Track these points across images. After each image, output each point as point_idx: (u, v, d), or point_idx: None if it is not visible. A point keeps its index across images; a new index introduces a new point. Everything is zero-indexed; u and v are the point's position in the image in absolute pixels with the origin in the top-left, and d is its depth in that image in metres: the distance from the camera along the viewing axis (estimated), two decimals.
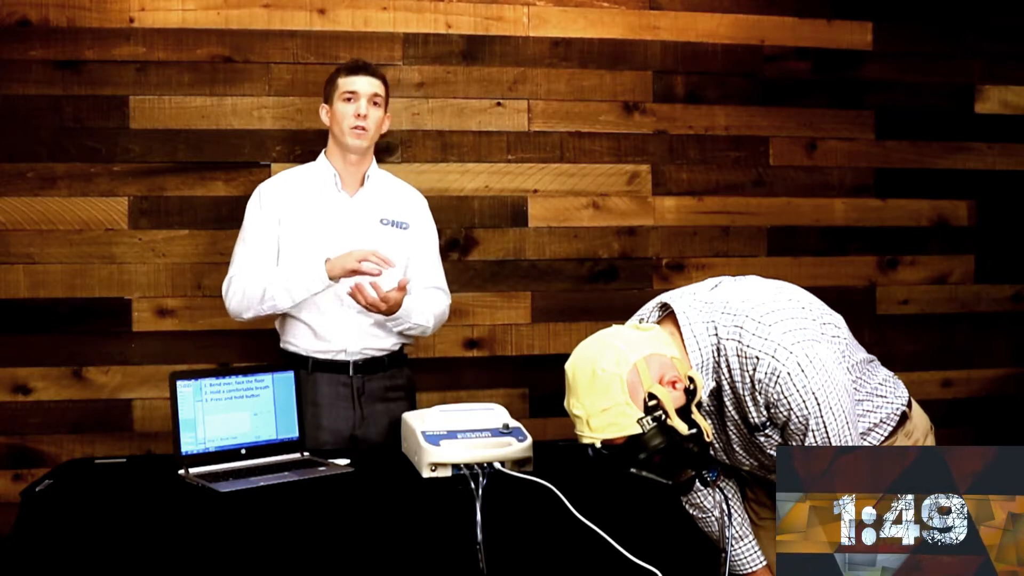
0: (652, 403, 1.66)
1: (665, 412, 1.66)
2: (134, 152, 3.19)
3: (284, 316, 2.71)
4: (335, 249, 2.62)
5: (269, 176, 3.24)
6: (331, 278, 2.54)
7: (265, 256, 2.65)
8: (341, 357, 2.68)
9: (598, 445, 1.70)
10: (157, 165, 3.20)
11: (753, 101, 3.58)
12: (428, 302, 2.73)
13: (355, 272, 2.50)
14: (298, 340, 2.70)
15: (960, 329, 3.75)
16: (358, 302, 2.53)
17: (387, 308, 2.53)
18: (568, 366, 1.74)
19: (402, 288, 2.53)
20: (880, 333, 3.64)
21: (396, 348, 2.77)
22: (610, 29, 3.48)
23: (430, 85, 3.36)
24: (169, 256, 3.21)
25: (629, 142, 3.50)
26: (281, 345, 2.76)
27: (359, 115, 2.63)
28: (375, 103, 2.66)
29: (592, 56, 3.47)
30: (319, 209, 2.69)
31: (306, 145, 3.28)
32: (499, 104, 3.42)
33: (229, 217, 3.23)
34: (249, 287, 2.61)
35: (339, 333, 2.67)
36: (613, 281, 3.50)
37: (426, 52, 3.36)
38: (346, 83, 2.66)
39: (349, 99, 2.65)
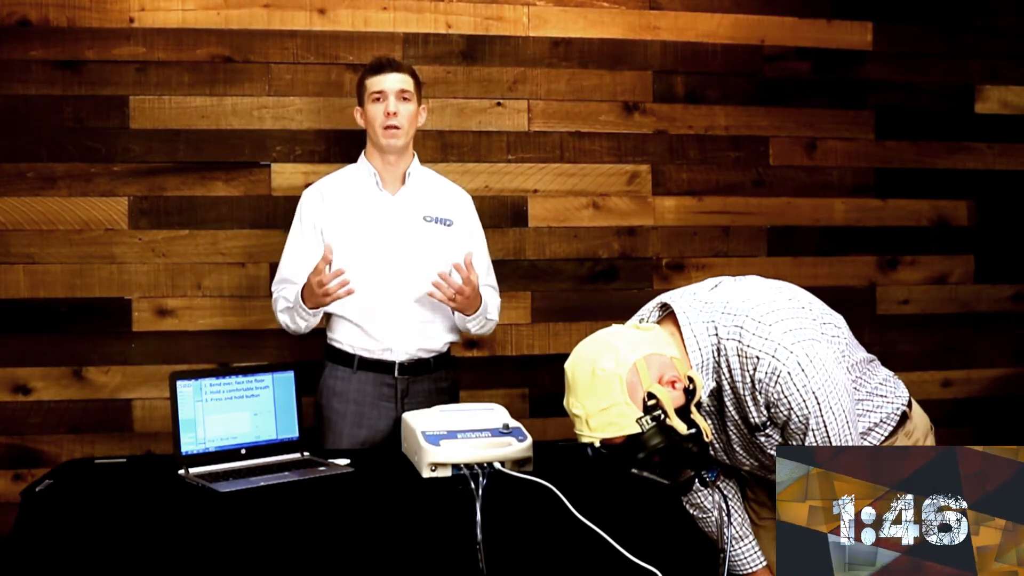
0: (651, 403, 1.66)
1: (664, 412, 1.66)
2: (134, 152, 3.19)
3: (332, 312, 2.72)
4: (380, 249, 2.66)
5: (269, 176, 3.25)
6: (312, 308, 2.57)
7: (302, 269, 2.65)
8: (387, 356, 2.67)
9: (597, 444, 1.70)
10: (157, 165, 3.20)
11: (753, 101, 3.58)
12: (490, 298, 2.74)
13: (326, 298, 2.51)
14: (346, 337, 2.70)
15: (960, 329, 3.75)
16: (437, 297, 2.54)
17: (470, 293, 2.54)
18: (568, 365, 1.74)
19: (468, 264, 2.54)
20: (880, 333, 3.63)
21: (444, 349, 2.77)
22: (610, 29, 3.48)
23: (430, 85, 3.36)
24: (169, 256, 3.21)
25: (629, 142, 3.50)
26: (328, 341, 2.76)
27: (388, 113, 2.63)
28: (404, 98, 2.66)
29: (592, 56, 3.47)
30: (361, 210, 2.70)
31: (306, 145, 3.28)
32: (499, 104, 3.42)
33: (229, 217, 3.23)
34: (280, 309, 2.68)
35: (388, 332, 2.67)
36: (613, 281, 3.50)
37: (426, 52, 3.36)
38: (372, 83, 2.66)
39: (378, 99, 2.65)
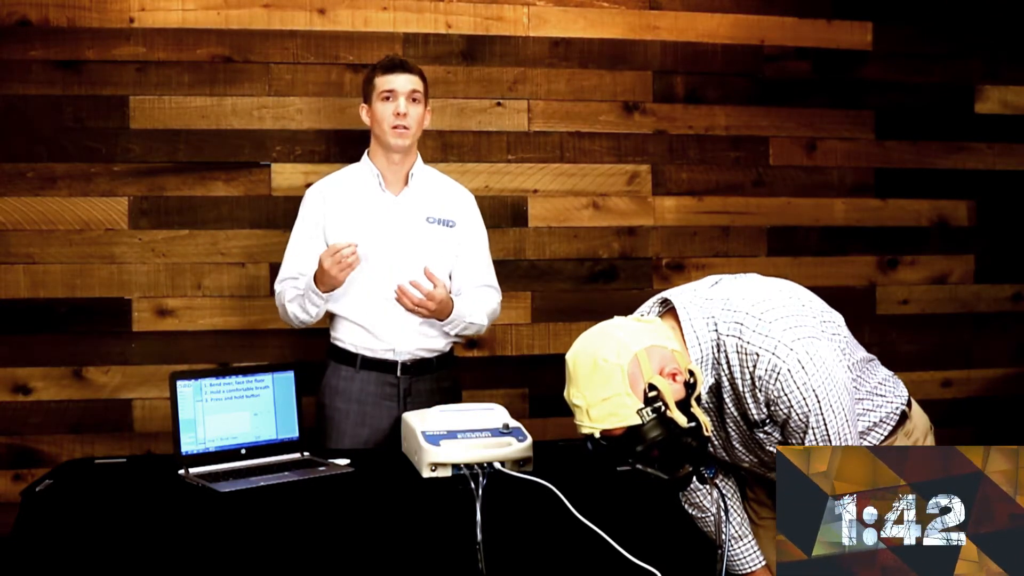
0: (652, 394, 1.66)
1: (665, 404, 1.65)
2: (134, 152, 3.19)
3: (334, 313, 2.72)
4: (382, 250, 2.65)
5: (269, 176, 3.25)
6: (326, 291, 2.57)
7: (307, 266, 2.65)
8: (390, 356, 2.67)
9: (597, 435, 1.69)
10: (157, 165, 3.20)
11: (753, 101, 3.58)
12: (481, 300, 2.73)
13: (338, 278, 2.51)
14: (348, 336, 2.70)
15: (960, 329, 3.75)
16: (404, 305, 2.56)
17: (435, 307, 2.55)
18: (569, 356, 1.73)
19: (430, 277, 2.54)
20: (880, 333, 3.63)
21: (447, 349, 2.77)
22: (610, 29, 3.48)
23: (430, 85, 3.34)
24: (169, 256, 3.21)
25: (629, 142, 3.50)
26: (331, 340, 2.76)
27: (398, 114, 2.63)
28: (414, 99, 2.66)
29: (592, 56, 3.47)
30: (364, 210, 2.69)
31: (306, 145, 3.28)
32: (499, 104, 3.42)
33: (229, 217, 3.24)
34: (282, 302, 2.67)
35: (391, 331, 2.66)
36: (613, 281, 3.50)
37: (426, 52, 3.36)
38: (383, 82, 2.65)
39: (387, 98, 2.64)
